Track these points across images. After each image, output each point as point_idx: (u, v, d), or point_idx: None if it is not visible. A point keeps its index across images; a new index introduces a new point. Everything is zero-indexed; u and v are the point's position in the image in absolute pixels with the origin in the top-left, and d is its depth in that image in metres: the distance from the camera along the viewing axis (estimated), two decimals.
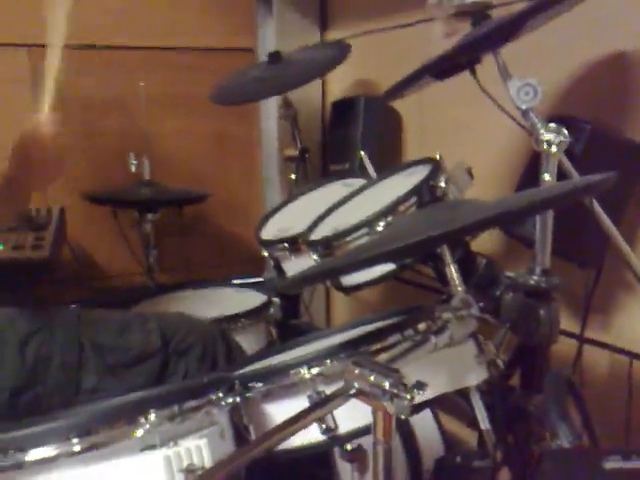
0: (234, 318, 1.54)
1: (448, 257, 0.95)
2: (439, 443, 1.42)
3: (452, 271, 0.96)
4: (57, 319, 1.08)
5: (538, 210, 0.93)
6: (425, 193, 1.04)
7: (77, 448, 0.72)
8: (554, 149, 1.09)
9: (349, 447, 1.28)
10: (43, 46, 1.88)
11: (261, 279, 1.80)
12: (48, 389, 1.01)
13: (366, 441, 1.31)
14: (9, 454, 0.70)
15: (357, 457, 1.30)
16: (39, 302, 1.20)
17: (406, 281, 1.83)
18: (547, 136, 1.08)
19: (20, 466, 0.70)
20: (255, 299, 1.68)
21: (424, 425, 1.42)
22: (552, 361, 1.19)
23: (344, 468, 1.38)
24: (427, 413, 1.44)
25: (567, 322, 1.20)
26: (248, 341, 1.55)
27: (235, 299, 1.73)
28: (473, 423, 1.31)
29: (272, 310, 1.66)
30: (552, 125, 1.09)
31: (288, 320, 1.76)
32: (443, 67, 1.16)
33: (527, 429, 1.16)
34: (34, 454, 0.71)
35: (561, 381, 0.92)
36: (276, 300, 1.69)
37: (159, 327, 1.13)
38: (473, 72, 1.16)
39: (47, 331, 1.05)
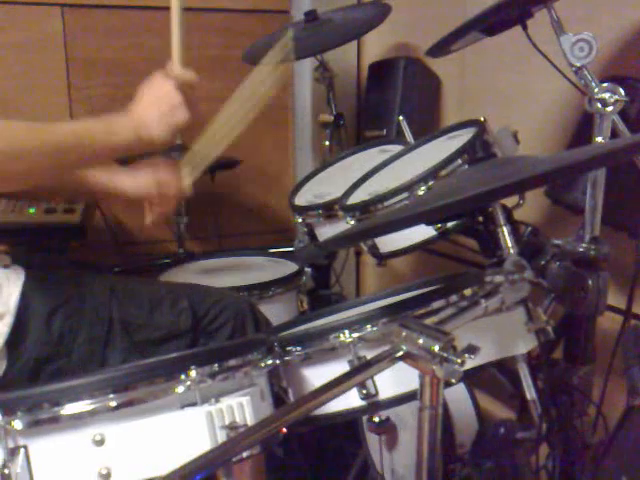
0: (265, 286, 1.52)
1: (501, 218, 0.90)
2: (473, 418, 1.39)
3: (505, 233, 0.91)
4: (88, 290, 1.05)
5: (601, 163, 0.87)
6: (478, 150, 0.98)
7: (113, 403, 0.70)
8: (609, 109, 1.04)
9: (377, 419, 1.26)
10: (76, 6, 1.87)
11: (292, 248, 1.77)
12: (73, 363, 0.98)
13: (397, 412, 1.30)
14: (45, 407, 0.69)
15: (385, 430, 1.28)
16: (73, 266, 1.16)
17: (438, 253, 1.79)
18: (601, 95, 1.03)
19: (56, 420, 0.69)
20: (287, 268, 1.66)
21: (458, 399, 1.39)
22: (596, 336, 1.14)
23: (372, 441, 1.37)
24: (461, 387, 1.41)
25: (613, 296, 1.15)
26: (279, 310, 1.53)
27: (266, 268, 1.70)
28: (512, 395, 1.28)
29: (304, 279, 1.63)
30: (607, 84, 1.04)
31: (319, 290, 1.75)
32: (493, 21, 1.10)
33: (570, 402, 1.13)
34: (70, 408, 0.70)
35: None
36: (307, 270, 1.67)
37: (191, 305, 1.10)
38: (524, 26, 1.10)
39: (77, 302, 1.01)
